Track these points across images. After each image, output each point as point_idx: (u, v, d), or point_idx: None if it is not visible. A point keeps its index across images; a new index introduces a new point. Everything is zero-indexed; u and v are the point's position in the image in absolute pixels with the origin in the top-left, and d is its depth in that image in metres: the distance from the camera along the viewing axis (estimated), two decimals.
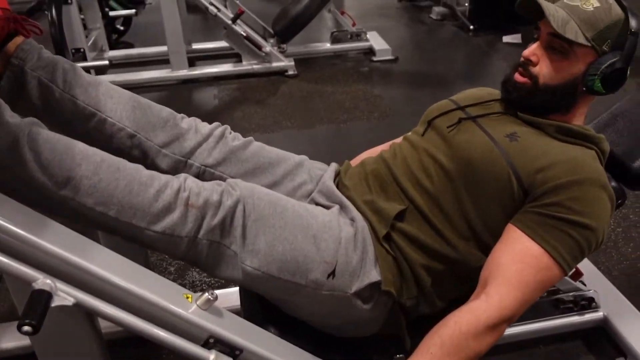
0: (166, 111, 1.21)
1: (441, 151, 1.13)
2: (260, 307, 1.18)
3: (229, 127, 1.26)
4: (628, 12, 1.08)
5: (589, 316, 1.54)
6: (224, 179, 1.18)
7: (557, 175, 1.00)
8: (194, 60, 3.69)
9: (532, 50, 1.12)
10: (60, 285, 0.81)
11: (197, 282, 1.87)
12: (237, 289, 1.41)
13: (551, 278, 1.00)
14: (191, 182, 1.00)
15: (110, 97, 1.16)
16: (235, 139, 1.24)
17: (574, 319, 1.54)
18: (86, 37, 3.53)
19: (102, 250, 0.90)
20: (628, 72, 1.10)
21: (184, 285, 1.84)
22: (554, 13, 1.06)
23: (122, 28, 4.26)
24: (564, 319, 1.54)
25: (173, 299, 0.91)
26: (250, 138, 1.26)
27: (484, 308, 0.96)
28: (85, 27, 3.60)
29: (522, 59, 1.14)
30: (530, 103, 1.13)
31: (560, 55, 1.09)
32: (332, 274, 1.03)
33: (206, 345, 0.93)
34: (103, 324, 0.98)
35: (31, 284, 0.79)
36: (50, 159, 0.89)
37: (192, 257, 1.00)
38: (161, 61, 3.61)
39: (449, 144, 1.13)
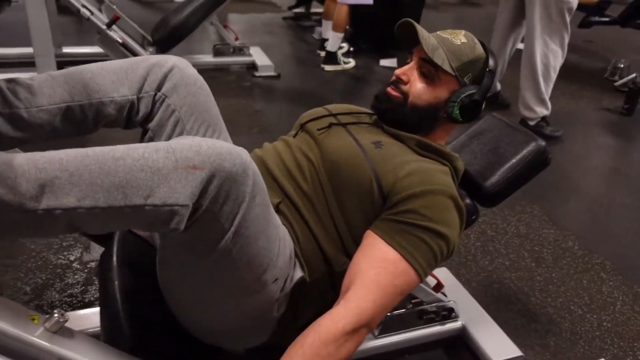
0: (117, 63, 1.17)
1: (312, 152, 1.17)
2: (121, 328, 1.11)
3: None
4: (489, 53, 1.21)
5: (449, 326, 1.64)
6: (169, 108, 1.19)
7: (412, 185, 1.06)
8: (64, 64, 3.41)
9: (404, 70, 1.22)
10: None
11: (57, 302, 1.73)
12: (97, 309, 1.32)
13: (409, 282, 1.04)
14: (186, 142, 0.86)
15: (67, 84, 1.11)
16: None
17: (436, 328, 1.62)
18: None
19: None
20: (483, 106, 1.21)
21: (41, 307, 1.70)
22: (427, 38, 1.17)
23: None
24: (427, 329, 1.61)
25: (15, 321, 0.83)
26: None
27: (342, 314, 0.97)
28: None
29: (394, 77, 1.23)
30: (396, 117, 1.22)
31: (428, 79, 1.19)
32: (277, 279, 1.02)
33: None
34: None
35: None
36: (14, 177, 0.78)
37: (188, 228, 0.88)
38: (26, 63, 3.34)
39: (319, 146, 1.18)
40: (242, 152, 0.89)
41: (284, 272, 1.04)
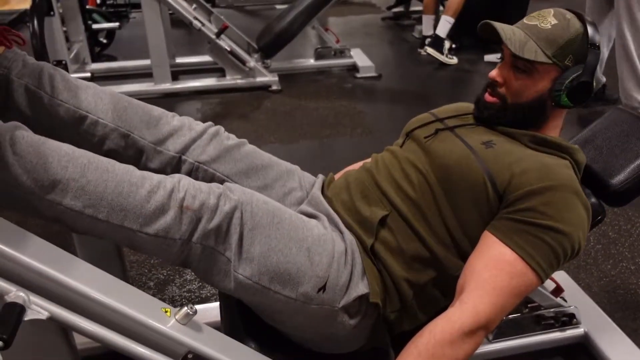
0: (158, 110, 1.21)
1: (420, 160, 1.14)
2: (240, 322, 1.16)
3: (222, 127, 1.26)
4: (587, 25, 1.10)
5: (569, 332, 1.55)
6: (216, 177, 1.19)
7: (530, 181, 1.01)
8: (177, 74, 3.68)
9: (497, 71, 1.15)
10: (34, 298, 0.79)
11: (177, 296, 1.84)
12: (217, 304, 1.38)
13: (527, 284, 0.99)
14: (187, 182, 0.98)
15: (100, 98, 1.16)
16: (229, 138, 1.24)
17: (555, 335, 1.54)
18: (68, 49, 3.52)
19: (78, 262, 0.88)
20: (594, 84, 1.11)
21: (163, 300, 1.80)
22: (511, 36, 1.09)
23: (105, 41, 4.25)
24: (545, 335, 1.54)
25: (151, 313, 0.89)
26: (244, 140, 1.27)
27: (458, 315, 0.95)
28: (67, 39, 3.58)
29: (489, 79, 1.16)
30: (501, 120, 1.16)
31: (525, 74, 1.11)
32: (323, 288, 1.02)
33: None
34: (79, 339, 0.96)
35: (3, 297, 0.77)
36: (35, 162, 0.87)
37: (184, 260, 0.99)
38: (144, 74, 3.60)
39: (427, 153, 1.14)
40: (234, 193, 0.99)
41: (331, 283, 1.02)
